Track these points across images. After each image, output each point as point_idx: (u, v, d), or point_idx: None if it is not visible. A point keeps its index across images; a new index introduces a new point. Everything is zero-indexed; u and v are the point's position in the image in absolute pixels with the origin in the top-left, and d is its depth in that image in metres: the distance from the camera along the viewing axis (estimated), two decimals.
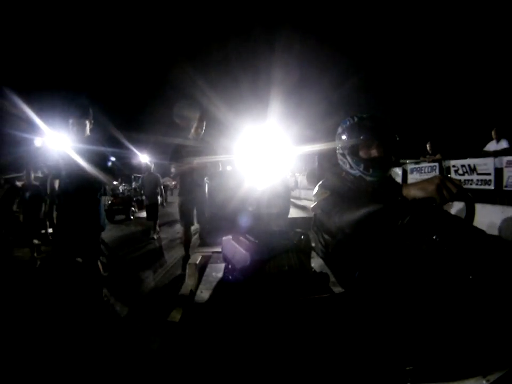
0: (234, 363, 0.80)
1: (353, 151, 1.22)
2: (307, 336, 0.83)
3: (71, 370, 1.69)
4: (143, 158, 23.61)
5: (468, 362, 0.73)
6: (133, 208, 9.68)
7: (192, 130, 3.34)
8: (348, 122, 1.26)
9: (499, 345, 0.78)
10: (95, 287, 2.44)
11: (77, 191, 2.37)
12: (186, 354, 0.81)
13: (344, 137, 1.26)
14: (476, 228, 1.07)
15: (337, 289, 0.99)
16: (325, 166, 2.10)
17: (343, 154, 1.27)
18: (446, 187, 0.80)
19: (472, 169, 5.07)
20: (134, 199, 10.18)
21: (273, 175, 2.00)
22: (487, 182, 4.83)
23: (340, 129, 1.30)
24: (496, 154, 4.80)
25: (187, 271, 1.25)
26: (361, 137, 1.20)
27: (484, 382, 0.63)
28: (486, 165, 4.84)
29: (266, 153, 2.51)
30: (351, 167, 1.24)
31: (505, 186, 4.46)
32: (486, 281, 0.87)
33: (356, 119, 1.25)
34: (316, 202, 1.23)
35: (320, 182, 1.29)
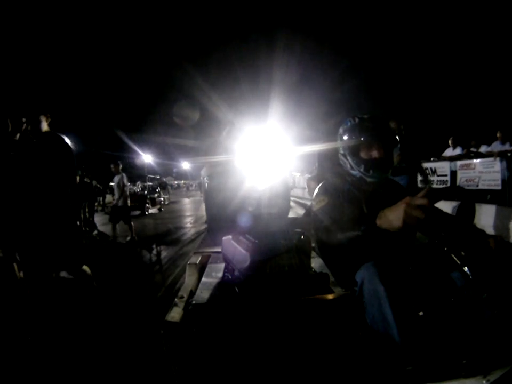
0: (234, 363, 0.80)
1: (353, 152, 1.22)
2: (307, 336, 0.83)
3: (70, 371, 1.69)
4: (146, 157, 23.80)
5: (468, 362, 0.73)
6: (147, 205, 10.86)
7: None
8: (349, 123, 1.26)
9: (499, 345, 0.78)
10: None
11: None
12: (186, 354, 0.81)
13: (345, 137, 1.25)
14: (475, 227, 1.08)
15: (337, 289, 0.99)
16: (325, 166, 2.09)
17: (344, 155, 1.27)
18: (411, 217, 0.78)
19: (433, 171, 6.23)
20: (148, 197, 11.32)
21: (273, 175, 2.00)
22: (444, 182, 6.02)
23: (341, 130, 1.29)
24: (451, 159, 5.88)
25: (187, 271, 1.25)
26: (362, 139, 1.20)
27: (484, 382, 0.63)
28: (443, 168, 6.03)
29: (266, 153, 2.51)
30: (351, 167, 1.24)
31: (458, 185, 5.42)
32: (486, 281, 0.87)
33: (356, 120, 1.24)
34: (314, 208, 1.22)
35: (320, 184, 1.28)
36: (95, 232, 6.08)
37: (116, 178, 5.63)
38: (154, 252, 4.92)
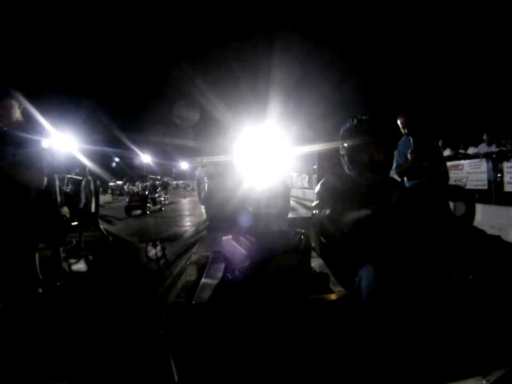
0: (234, 362, 0.80)
1: (351, 153, 1.21)
2: (307, 336, 0.83)
3: (70, 369, 1.69)
4: (144, 158, 23.87)
5: (468, 362, 0.73)
6: (148, 205, 11.05)
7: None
8: (348, 124, 1.25)
9: (499, 345, 0.78)
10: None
11: None
12: (186, 354, 0.81)
13: (344, 138, 1.25)
14: (476, 228, 1.08)
15: (337, 289, 0.99)
16: (325, 166, 2.09)
17: (343, 156, 1.27)
18: None
19: None
20: (150, 196, 11.46)
21: (273, 175, 2.00)
22: None
23: (341, 130, 1.28)
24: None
25: (187, 271, 1.25)
26: (358, 141, 1.18)
27: (484, 382, 0.63)
28: None
29: (265, 153, 2.51)
30: (348, 169, 1.24)
31: (459, 186, 5.48)
32: (486, 281, 0.87)
33: (355, 121, 1.23)
34: (316, 201, 1.23)
35: (321, 183, 1.29)
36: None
37: (83, 182, 5.42)
38: (155, 250, 4.95)
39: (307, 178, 14.79)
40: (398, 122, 2.78)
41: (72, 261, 4.17)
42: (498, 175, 5.05)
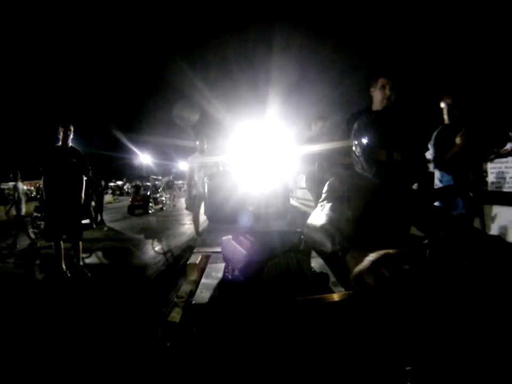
0: (234, 363, 0.80)
1: (367, 151, 1.07)
2: (307, 337, 0.83)
3: (70, 369, 1.68)
4: (144, 158, 23.92)
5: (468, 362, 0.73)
6: (151, 204, 11.51)
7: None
8: (365, 118, 1.12)
9: (498, 345, 0.78)
10: None
11: None
12: (186, 354, 0.81)
13: (358, 134, 1.11)
14: (476, 228, 1.07)
15: (337, 289, 0.99)
16: (325, 167, 2.09)
17: (356, 154, 1.14)
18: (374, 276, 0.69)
19: None
20: (152, 196, 11.91)
21: (273, 176, 2.00)
22: None
23: (356, 125, 1.15)
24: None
25: (187, 271, 1.25)
26: (378, 137, 1.05)
27: None
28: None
29: (265, 154, 2.51)
30: (363, 168, 1.10)
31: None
32: (486, 282, 0.87)
33: (373, 115, 1.11)
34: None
35: (327, 183, 1.21)
36: (105, 228, 6.19)
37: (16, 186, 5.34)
38: (158, 247, 4.99)
39: (305, 178, 14.80)
40: (443, 104, 2.50)
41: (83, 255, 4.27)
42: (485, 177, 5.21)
